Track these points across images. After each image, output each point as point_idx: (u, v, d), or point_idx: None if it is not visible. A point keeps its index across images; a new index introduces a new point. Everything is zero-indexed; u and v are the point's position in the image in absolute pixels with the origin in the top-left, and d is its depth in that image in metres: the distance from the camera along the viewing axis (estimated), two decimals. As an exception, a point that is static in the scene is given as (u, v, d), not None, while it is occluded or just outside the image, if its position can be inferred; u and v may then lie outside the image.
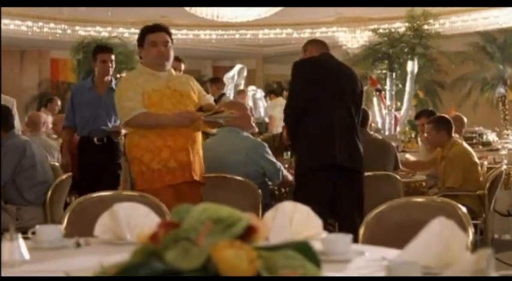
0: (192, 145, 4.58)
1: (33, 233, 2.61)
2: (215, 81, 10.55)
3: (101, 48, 6.70)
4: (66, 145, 6.56)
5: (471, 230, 2.92)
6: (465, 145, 6.45)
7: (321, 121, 5.01)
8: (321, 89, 5.04)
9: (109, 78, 6.43)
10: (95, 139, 6.24)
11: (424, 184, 6.39)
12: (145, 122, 4.44)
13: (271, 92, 14.28)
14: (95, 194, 3.46)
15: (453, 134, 6.44)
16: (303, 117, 5.03)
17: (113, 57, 6.51)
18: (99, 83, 6.41)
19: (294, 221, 2.62)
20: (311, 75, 5.08)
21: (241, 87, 14.07)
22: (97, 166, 6.17)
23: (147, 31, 4.78)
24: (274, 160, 5.46)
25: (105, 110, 6.24)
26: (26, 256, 2.26)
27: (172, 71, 4.82)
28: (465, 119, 8.55)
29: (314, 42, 5.49)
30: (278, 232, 2.50)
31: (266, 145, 5.55)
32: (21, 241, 2.27)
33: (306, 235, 2.58)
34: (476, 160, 6.33)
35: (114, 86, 6.17)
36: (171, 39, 4.78)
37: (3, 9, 12.37)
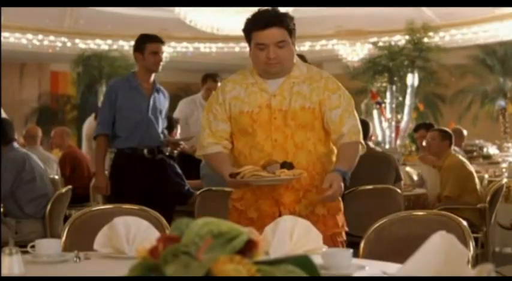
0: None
1: (33, 247, 2.60)
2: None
3: (151, 38, 5.37)
4: (102, 158, 5.33)
5: (472, 244, 2.91)
6: (460, 156, 6.55)
7: None
8: None
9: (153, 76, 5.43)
10: (145, 151, 5.29)
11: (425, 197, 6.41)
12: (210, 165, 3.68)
13: None
14: (94, 208, 3.45)
15: (453, 147, 6.55)
16: None
17: (164, 49, 5.46)
18: (144, 82, 5.37)
19: (294, 235, 2.62)
20: None
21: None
22: (147, 186, 5.29)
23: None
24: None
25: (154, 116, 5.35)
26: (25, 270, 2.25)
27: None
28: (465, 132, 8.57)
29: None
30: (278, 246, 2.50)
31: None
32: (20, 255, 2.26)
33: (306, 249, 2.57)
34: (472, 170, 6.39)
35: (159, 87, 5.46)
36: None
37: (3, 22, 12.39)
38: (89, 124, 11.82)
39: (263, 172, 3.13)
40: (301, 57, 5.41)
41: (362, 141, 3.36)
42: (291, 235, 2.61)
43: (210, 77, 7.35)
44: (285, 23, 3.24)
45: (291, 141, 3.28)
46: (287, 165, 3.17)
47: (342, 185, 3.10)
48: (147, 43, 5.29)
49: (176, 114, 7.53)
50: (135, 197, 4.51)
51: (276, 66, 3.27)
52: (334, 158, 3.36)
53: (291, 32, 3.26)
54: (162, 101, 5.46)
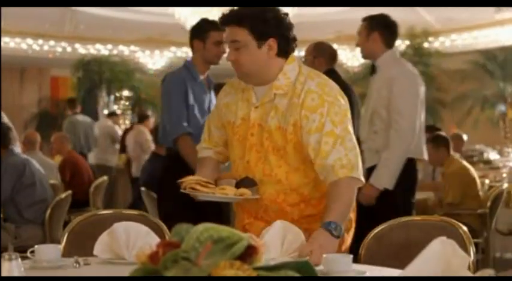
0: None
1: (32, 252, 2.59)
2: None
3: (216, 25, 4.27)
4: (193, 160, 3.88)
5: (472, 250, 2.90)
6: (464, 162, 6.51)
7: None
8: None
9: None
10: None
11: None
12: None
13: None
14: (94, 213, 3.44)
15: (452, 152, 6.52)
16: None
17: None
18: (201, 74, 4.72)
19: (285, 241, 2.59)
20: None
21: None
22: None
23: None
24: None
25: None
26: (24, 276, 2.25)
27: None
28: (465, 137, 8.57)
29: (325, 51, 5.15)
30: (267, 249, 2.45)
31: None
32: (19, 261, 2.26)
33: (295, 255, 2.56)
34: (475, 175, 6.37)
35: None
36: None
37: (3, 27, 12.40)
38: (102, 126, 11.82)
39: (203, 186, 2.73)
40: (323, 45, 5.27)
41: (358, 176, 2.77)
42: (283, 241, 2.58)
43: (220, 89, 7.17)
44: (245, 22, 2.79)
45: (261, 165, 2.85)
46: (246, 182, 2.79)
47: (331, 242, 2.60)
48: (212, 31, 4.56)
49: None
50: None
51: (236, 71, 2.90)
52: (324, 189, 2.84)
53: (258, 33, 2.79)
54: (214, 99, 4.73)
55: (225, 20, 2.84)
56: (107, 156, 11.41)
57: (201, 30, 4.59)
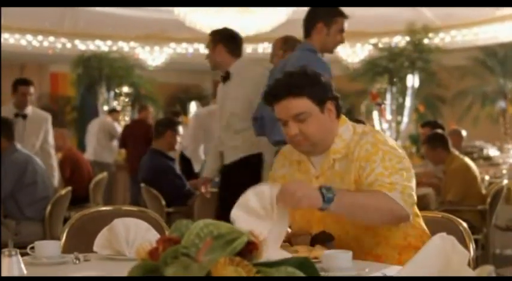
0: None
1: (32, 248, 2.59)
2: None
3: (341, 11, 4.54)
4: None
5: (472, 246, 2.90)
6: (466, 159, 6.49)
7: None
8: None
9: None
10: None
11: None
12: None
13: None
14: (94, 209, 3.44)
15: (452, 148, 6.49)
16: None
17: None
18: None
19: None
20: None
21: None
22: None
23: None
24: None
25: None
26: (25, 272, 2.25)
27: None
28: (464, 133, 8.56)
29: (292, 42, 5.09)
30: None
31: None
32: (19, 257, 2.25)
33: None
34: (477, 174, 6.35)
35: None
36: None
37: (3, 23, 12.39)
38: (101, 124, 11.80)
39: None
40: (293, 40, 5.13)
41: (398, 202, 2.53)
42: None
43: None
44: (303, 90, 2.63)
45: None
46: (323, 237, 2.61)
47: (313, 194, 2.42)
48: (339, 17, 4.51)
49: (193, 126, 7.51)
50: None
51: (302, 143, 2.69)
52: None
53: (318, 99, 2.66)
54: None
55: (279, 94, 2.66)
56: (105, 152, 11.42)
57: (329, 14, 4.45)
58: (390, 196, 2.54)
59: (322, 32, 4.32)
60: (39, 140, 6.63)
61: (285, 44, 5.13)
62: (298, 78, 2.67)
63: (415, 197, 2.64)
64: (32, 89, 6.57)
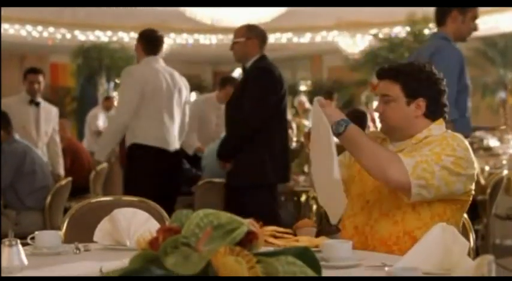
0: None
1: (32, 238, 2.60)
2: None
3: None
4: None
5: (472, 236, 2.90)
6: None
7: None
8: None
9: None
10: None
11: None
12: None
13: None
14: (94, 200, 3.44)
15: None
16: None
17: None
18: None
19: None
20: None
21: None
22: None
23: None
24: None
25: None
26: (25, 262, 2.25)
27: None
28: None
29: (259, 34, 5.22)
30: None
31: None
32: (20, 247, 2.26)
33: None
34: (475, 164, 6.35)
35: None
36: None
37: (3, 14, 12.37)
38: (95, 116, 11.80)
39: (279, 238, 2.46)
40: (256, 28, 5.25)
41: (403, 166, 2.65)
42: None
43: (229, 82, 7.15)
44: (399, 78, 2.83)
45: (379, 205, 2.82)
46: (328, 229, 2.72)
47: (333, 119, 2.71)
48: (471, 8, 4.58)
49: (191, 113, 7.48)
50: None
51: (382, 122, 2.93)
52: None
53: (409, 91, 2.82)
54: None
55: (382, 74, 2.90)
56: None
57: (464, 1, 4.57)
58: (401, 159, 2.67)
59: (457, 20, 4.37)
60: (51, 127, 6.79)
61: (247, 32, 5.15)
62: (402, 66, 2.90)
63: (435, 181, 2.66)
64: (40, 78, 6.68)
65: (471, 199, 2.85)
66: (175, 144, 5.50)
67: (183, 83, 5.70)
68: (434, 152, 2.69)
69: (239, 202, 4.70)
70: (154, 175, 5.32)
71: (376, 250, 2.72)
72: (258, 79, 4.93)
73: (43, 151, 6.47)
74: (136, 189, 4.64)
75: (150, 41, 5.81)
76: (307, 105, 12.78)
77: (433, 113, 2.86)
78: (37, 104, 6.68)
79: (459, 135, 2.82)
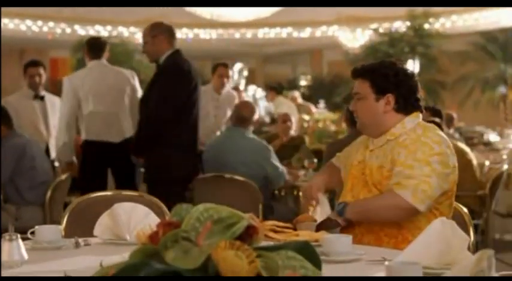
0: None
1: (33, 233, 2.60)
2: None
3: None
4: None
5: (472, 231, 2.91)
6: (459, 144, 6.48)
7: None
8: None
9: None
10: None
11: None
12: None
13: (271, 88, 13.99)
14: (94, 194, 3.44)
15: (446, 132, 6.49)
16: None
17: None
18: None
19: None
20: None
21: (241, 86, 13.99)
22: None
23: None
24: (277, 164, 5.44)
25: None
26: (25, 256, 2.25)
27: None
28: (455, 116, 8.69)
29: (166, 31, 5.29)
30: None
31: (271, 148, 5.53)
32: (20, 242, 2.26)
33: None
34: (472, 157, 6.34)
35: None
36: None
37: (2, 8, 12.35)
38: None
39: (279, 232, 2.49)
40: (160, 25, 5.35)
41: (404, 196, 2.75)
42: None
43: (220, 65, 7.24)
44: (368, 75, 2.96)
45: (363, 195, 2.94)
46: (328, 223, 2.76)
47: (339, 220, 2.83)
48: None
49: None
50: None
51: (357, 121, 3.04)
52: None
53: (377, 87, 2.93)
54: None
55: (354, 73, 3.03)
56: None
57: None
58: (398, 194, 2.76)
59: None
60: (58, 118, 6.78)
61: (152, 30, 5.23)
62: (372, 65, 3.01)
63: (434, 192, 2.77)
64: (41, 70, 6.62)
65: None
66: (120, 136, 5.75)
67: (130, 80, 5.97)
68: (419, 160, 2.78)
69: (157, 194, 4.74)
70: (98, 166, 5.70)
71: (363, 237, 2.81)
72: (163, 77, 5.06)
73: (53, 145, 6.41)
74: (84, 180, 5.34)
75: (92, 47, 6.24)
76: (300, 100, 12.83)
77: (404, 108, 2.94)
78: (42, 98, 6.61)
79: (429, 126, 2.94)
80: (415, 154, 2.79)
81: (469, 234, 2.81)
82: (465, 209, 3.02)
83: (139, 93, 5.86)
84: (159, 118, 4.97)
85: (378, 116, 2.93)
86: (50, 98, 6.77)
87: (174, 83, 5.01)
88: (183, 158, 5.06)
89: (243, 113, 5.51)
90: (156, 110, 4.98)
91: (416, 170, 2.77)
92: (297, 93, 13.24)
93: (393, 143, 2.89)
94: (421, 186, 2.75)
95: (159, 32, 5.17)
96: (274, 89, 12.89)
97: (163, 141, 5.00)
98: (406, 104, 2.94)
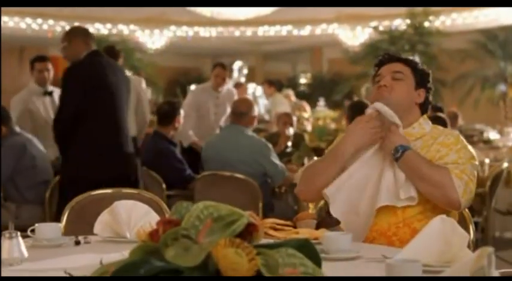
0: None
1: (33, 231, 2.60)
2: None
3: None
4: None
5: (472, 229, 2.91)
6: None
7: None
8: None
9: None
10: None
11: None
12: None
13: (271, 83, 13.67)
14: (94, 192, 3.44)
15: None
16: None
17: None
18: None
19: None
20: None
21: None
22: None
23: None
24: (277, 161, 5.44)
25: None
26: (25, 254, 2.25)
27: None
28: (460, 115, 8.66)
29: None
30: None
31: (271, 146, 5.53)
32: (20, 239, 2.26)
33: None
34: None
35: None
36: None
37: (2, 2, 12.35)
38: None
39: (279, 230, 2.48)
40: (75, 29, 5.48)
41: (456, 188, 2.72)
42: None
43: (217, 65, 7.26)
44: (412, 64, 3.01)
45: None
46: (328, 222, 2.69)
47: (392, 145, 2.77)
48: None
49: (186, 103, 7.48)
50: None
51: (384, 95, 2.95)
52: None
53: (418, 78, 2.99)
54: None
55: (393, 57, 3.02)
56: None
57: None
58: (453, 179, 2.71)
59: None
60: None
61: (68, 35, 5.30)
62: (410, 59, 3.04)
63: (473, 196, 2.81)
64: (49, 65, 6.57)
65: None
66: None
67: (137, 86, 6.27)
68: (467, 160, 2.79)
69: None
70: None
71: (375, 241, 2.75)
72: (64, 80, 5.15)
73: None
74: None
75: (108, 54, 6.01)
76: (293, 98, 12.84)
77: (425, 106, 2.99)
78: (50, 94, 6.54)
79: (447, 130, 3.00)
80: (457, 153, 2.79)
81: (469, 232, 2.81)
82: (465, 207, 3.02)
83: (148, 95, 5.92)
84: (57, 122, 5.02)
85: (410, 103, 2.93)
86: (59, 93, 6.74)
87: (72, 87, 5.03)
88: (95, 159, 4.96)
89: (240, 109, 5.52)
90: (57, 113, 5.11)
91: (467, 167, 2.77)
92: (291, 92, 13.24)
93: (419, 143, 2.86)
94: (470, 185, 2.76)
95: (74, 36, 5.23)
96: (274, 84, 12.78)
97: (77, 142, 4.97)
98: (428, 103, 3.00)
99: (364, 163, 2.83)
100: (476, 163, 2.86)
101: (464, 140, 2.89)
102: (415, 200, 2.73)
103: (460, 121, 9.87)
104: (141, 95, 6.78)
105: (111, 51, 6.38)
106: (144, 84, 6.55)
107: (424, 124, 2.94)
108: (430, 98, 3.01)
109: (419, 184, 2.73)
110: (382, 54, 3.08)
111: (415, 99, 2.94)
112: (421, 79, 2.97)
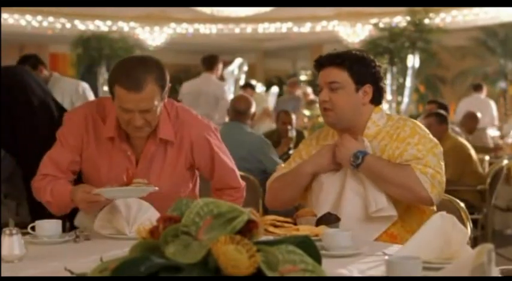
0: None
1: (33, 228, 2.60)
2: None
3: None
4: None
5: (469, 226, 2.91)
6: (460, 139, 6.51)
7: None
8: None
9: None
10: None
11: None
12: None
13: (248, 86, 12.81)
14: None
15: (450, 128, 6.55)
16: None
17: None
18: None
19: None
20: None
21: (241, 81, 13.94)
22: None
23: None
24: (276, 158, 5.44)
25: None
26: (25, 250, 2.25)
27: None
28: (479, 115, 8.72)
29: None
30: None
31: (270, 143, 5.53)
32: (20, 236, 2.26)
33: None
34: (472, 152, 6.35)
35: None
36: None
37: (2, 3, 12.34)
38: None
39: (279, 226, 2.49)
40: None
41: (423, 184, 2.68)
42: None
43: (249, 87, 7.31)
44: (346, 64, 2.81)
45: None
46: (328, 218, 2.67)
47: (347, 156, 2.72)
48: None
49: (182, 93, 7.49)
50: None
51: (329, 113, 2.84)
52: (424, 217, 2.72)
53: (357, 77, 2.80)
54: None
55: (326, 61, 2.83)
56: None
57: None
58: (418, 176, 2.67)
59: None
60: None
61: None
62: (347, 53, 2.84)
63: (444, 186, 2.76)
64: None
65: None
66: None
67: None
68: (427, 151, 2.74)
69: None
70: None
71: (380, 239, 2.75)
72: None
73: None
74: None
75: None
76: (312, 96, 12.68)
77: (377, 99, 2.86)
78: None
79: (404, 117, 2.92)
80: (417, 146, 2.73)
81: (466, 228, 2.81)
82: (462, 204, 3.03)
83: None
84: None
85: (357, 108, 2.81)
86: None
87: None
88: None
89: (238, 107, 5.52)
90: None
91: (429, 158, 2.72)
92: (309, 90, 13.05)
93: (376, 143, 2.80)
94: (437, 177, 2.72)
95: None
96: (249, 86, 12.53)
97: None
98: (380, 95, 2.87)
99: (326, 178, 2.83)
100: (440, 149, 2.80)
101: (421, 127, 2.81)
102: (388, 210, 2.72)
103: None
104: None
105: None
106: None
107: (377, 120, 2.84)
108: (382, 84, 2.87)
109: (385, 187, 2.70)
110: (318, 56, 2.89)
111: (361, 101, 2.82)
112: (360, 78, 2.81)
